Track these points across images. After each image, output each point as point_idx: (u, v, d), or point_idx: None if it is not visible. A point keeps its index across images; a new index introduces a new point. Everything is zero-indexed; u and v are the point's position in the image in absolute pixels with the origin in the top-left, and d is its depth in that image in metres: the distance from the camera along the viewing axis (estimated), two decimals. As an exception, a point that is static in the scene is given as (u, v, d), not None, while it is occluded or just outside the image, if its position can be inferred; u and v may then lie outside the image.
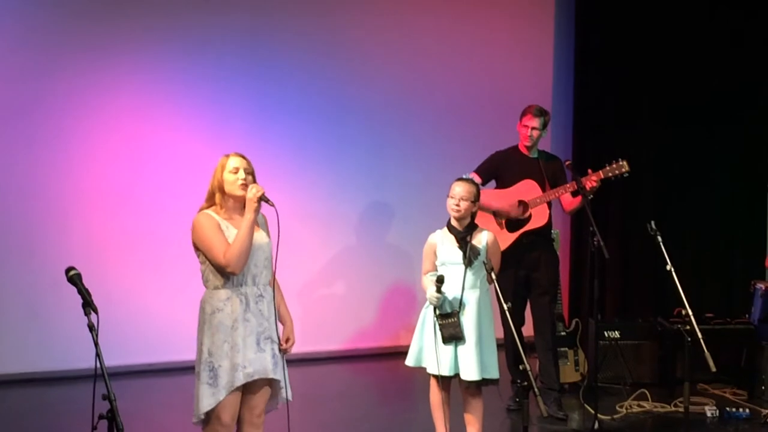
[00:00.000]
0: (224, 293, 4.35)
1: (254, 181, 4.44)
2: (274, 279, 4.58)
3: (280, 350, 4.46)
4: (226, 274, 4.33)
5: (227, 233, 4.35)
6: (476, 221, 5.22)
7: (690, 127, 8.40)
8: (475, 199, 5.16)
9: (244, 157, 4.46)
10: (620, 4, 8.37)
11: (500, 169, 6.32)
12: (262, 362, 4.37)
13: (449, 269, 5.09)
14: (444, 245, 5.15)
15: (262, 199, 4.34)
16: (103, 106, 7.39)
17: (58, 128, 7.29)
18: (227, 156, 4.46)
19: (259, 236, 4.45)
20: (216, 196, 4.41)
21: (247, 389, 4.41)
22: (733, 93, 8.36)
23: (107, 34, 7.36)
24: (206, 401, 4.29)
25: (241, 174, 4.39)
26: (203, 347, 4.33)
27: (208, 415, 4.33)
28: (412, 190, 8.24)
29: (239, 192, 4.38)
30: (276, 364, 4.42)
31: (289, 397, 4.52)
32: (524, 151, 6.32)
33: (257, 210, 4.35)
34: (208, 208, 4.42)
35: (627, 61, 8.35)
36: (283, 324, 4.57)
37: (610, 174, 6.09)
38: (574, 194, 6.19)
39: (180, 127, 7.59)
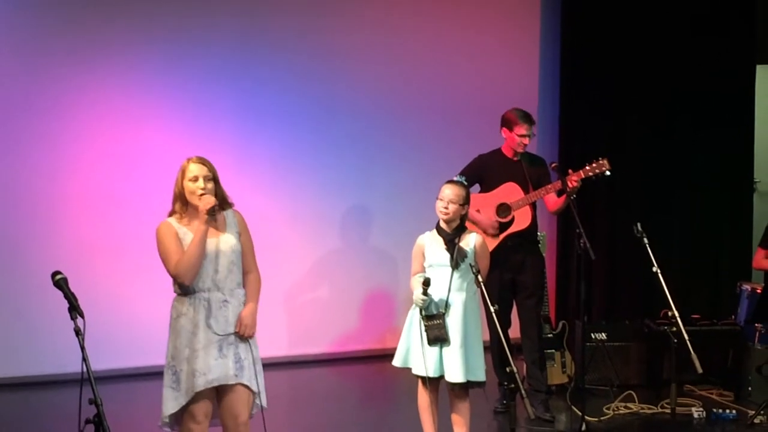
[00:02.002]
0: (187, 299, 4.37)
1: (216, 185, 4.41)
2: (256, 276, 4.57)
3: (247, 347, 4.41)
4: (179, 283, 4.35)
5: (185, 241, 4.35)
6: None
7: (676, 128, 8.42)
8: (465, 202, 5.16)
9: (204, 163, 4.43)
10: (606, 7, 8.39)
11: (484, 172, 6.31)
12: (223, 369, 4.34)
13: (436, 271, 5.09)
14: (432, 247, 5.15)
15: (210, 212, 4.31)
16: (90, 109, 7.36)
17: (45, 131, 7.25)
18: (188, 161, 4.44)
19: (222, 241, 4.43)
20: (177, 204, 4.42)
21: (228, 396, 4.40)
22: (719, 95, 8.39)
23: (94, 38, 7.33)
24: (169, 404, 4.35)
25: (200, 183, 4.36)
26: (168, 351, 4.38)
27: (176, 416, 4.38)
28: (398, 193, 8.24)
29: (197, 202, 4.36)
30: (241, 369, 4.39)
31: (264, 404, 4.49)
32: (508, 154, 6.32)
33: (207, 221, 4.33)
34: (172, 214, 4.43)
35: (613, 64, 8.36)
36: (245, 306, 4.48)
37: (590, 173, 6.08)
38: (559, 194, 6.19)
39: (166, 129, 7.56)
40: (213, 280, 4.37)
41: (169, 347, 4.38)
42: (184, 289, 4.37)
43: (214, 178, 4.43)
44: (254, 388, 4.43)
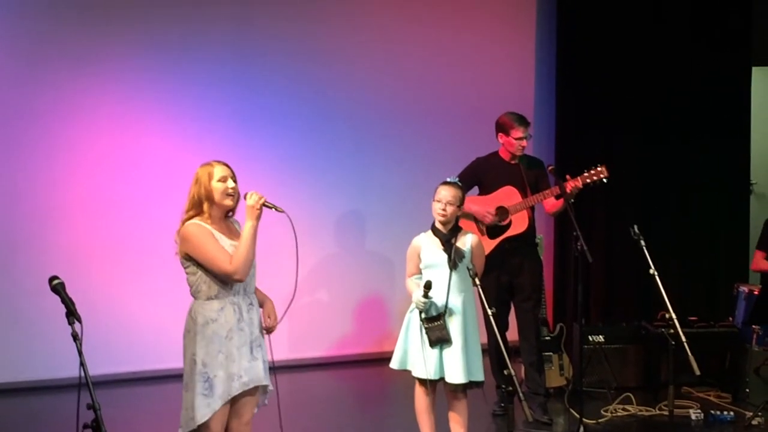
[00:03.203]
0: (217, 303, 4.35)
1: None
2: None
3: (266, 333, 4.52)
4: (228, 282, 4.34)
5: (220, 242, 4.35)
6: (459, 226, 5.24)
7: (673, 130, 8.43)
8: (461, 203, 5.18)
9: (228, 166, 4.47)
10: (601, 10, 8.39)
11: (481, 176, 6.32)
12: (256, 370, 4.41)
13: (434, 272, 5.09)
14: (428, 248, 5.15)
15: (266, 205, 4.40)
16: (88, 114, 7.36)
17: (42, 135, 7.25)
18: (211, 164, 4.43)
19: None
20: (204, 205, 4.39)
21: (235, 398, 4.41)
22: (715, 97, 8.41)
23: (91, 43, 7.33)
24: (202, 411, 4.28)
25: (230, 183, 4.40)
26: (196, 358, 4.31)
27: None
28: (394, 196, 8.24)
29: (229, 202, 4.40)
30: (266, 370, 4.47)
31: (265, 401, 4.59)
32: (505, 157, 6.32)
33: (259, 217, 4.38)
34: (194, 217, 4.39)
35: (609, 66, 8.37)
36: (263, 304, 4.59)
37: (588, 180, 6.09)
38: (557, 197, 6.20)
39: (163, 134, 7.56)
40: (242, 285, 4.40)
41: (198, 354, 4.30)
42: (219, 292, 4.34)
43: (236, 181, 4.47)
44: (272, 387, 4.53)
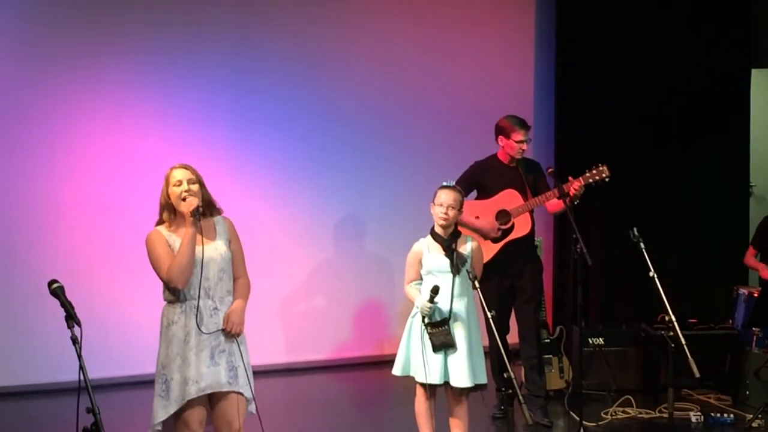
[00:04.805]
0: (178, 307, 4.37)
1: (202, 189, 4.42)
2: (246, 281, 4.57)
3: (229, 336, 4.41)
4: (171, 289, 4.35)
5: (175, 247, 4.35)
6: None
7: (672, 132, 8.44)
8: (461, 206, 5.17)
9: (187, 167, 4.44)
10: (601, 10, 8.40)
11: (481, 179, 6.31)
12: (216, 376, 4.35)
13: (436, 277, 5.08)
14: (430, 253, 5.14)
15: (195, 213, 4.30)
16: (86, 118, 7.36)
17: (41, 139, 7.25)
18: (172, 168, 4.44)
19: (212, 248, 4.42)
20: (164, 213, 4.42)
21: (221, 403, 4.40)
22: (715, 99, 8.42)
23: (90, 46, 7.34)
24: (159, 413, 4.33)
25: (184, 186, 4.36)
26: (158, 359, 4.38)
27: (168, 424, 4.36)
28: (394, 200, 8.24)
29: (183, 206, 4.35)
30: (235, 377, 4.41)
31: (252, 410, 4.51)
32: (504, 160, 6.32)
33: (194, 223, 4.31)
34: (160, 224, 4.44)
35: (608, 68, 8.37)
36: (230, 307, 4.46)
37: (590, 180, 6.10)
38: (559, 198, 6.20)
39: (163, 137, 7.55)
40: (203, 288, 4.36)
41: (160, 355, 4.38)
42: (176, 296, 4.37)
43: (199, 182, 4.43)
44: (248, 395, 4.45)
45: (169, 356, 4.33)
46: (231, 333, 4.39)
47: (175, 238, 4.37)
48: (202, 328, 4.33)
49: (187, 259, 4.29)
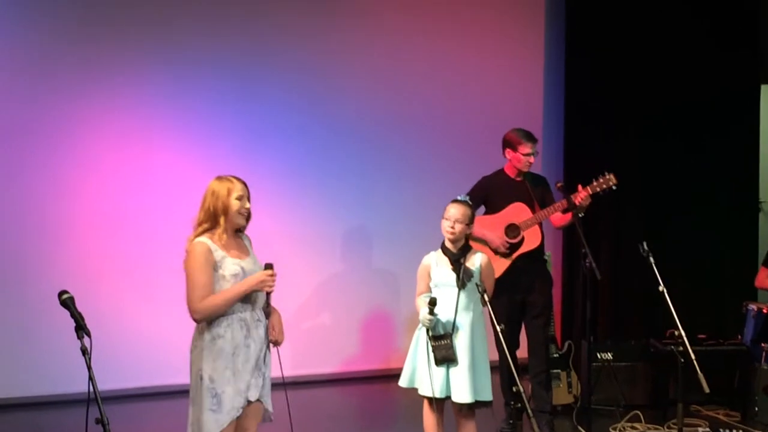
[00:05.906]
0: (225, 320, 4.35)
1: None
2: None
3: (273, 345, 4.51)
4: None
5: (222, 263, 4.35)
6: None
7: (681, 148, 8.42)
8: (470, 221, 5.17)
9: (246, 185, 4.49)
10: (610, 24, 8.40)
11: (489, 194, 6.32)
12: (258, 386, 4.42)
13: (443, 291, 5.09)
14: (438, 267, 5.15)
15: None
16: (96, 130, 7.38)
17: (51, 151, 7.28)
18: (230, 180, 4.46)
19: (251, 262, 4.47)
20: (220, 219, 4.39)
21: (247, 411, 4.43)
22: (724, 116, 8.41)
23: (100, 58, 7.36)
24: (210, 427, 4.30)
25: (246, 204, 4.43)
26: (203, 374, 4.32)
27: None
28: (401, 213, 8.24)
29: (242, 221, 4.43)
30: (264, 387, 4.48)
31: (270, 417, 4.59)
32: (511, 174, 6.33)
33: (251, 289, 4.37)
34: (208, 230, 4.40)
35: (617, 83, 8.35)
36: (270, 316, 4.53)
37: (598, 189, 6.11)
38: (565, 211, 6.20)
39: (171, 150, 7.58)
40: (253, 300, 4.41)
41: (205, 370, 4.32)
42: (233, 306, 4.37)
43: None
44: (269, 406, 4.52)
45: (218, 370, 4.32)
46: (277, 343, 4.49)
47: (221, 253, 4.35)
48: (250, 341, 4.37)
49: (224, 308, 4.32)
